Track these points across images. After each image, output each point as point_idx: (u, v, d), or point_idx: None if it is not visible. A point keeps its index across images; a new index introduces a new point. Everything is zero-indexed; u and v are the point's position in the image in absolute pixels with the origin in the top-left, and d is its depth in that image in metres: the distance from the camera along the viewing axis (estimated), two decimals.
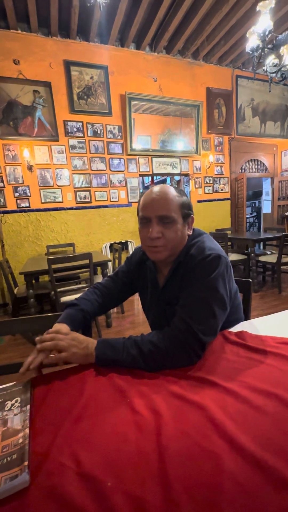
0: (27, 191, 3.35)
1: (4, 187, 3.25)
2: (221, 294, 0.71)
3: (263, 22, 2.14)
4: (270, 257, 3.35)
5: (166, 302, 0.84)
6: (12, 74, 3.12)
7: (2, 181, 3.24)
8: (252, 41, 2.24)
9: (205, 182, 4.36)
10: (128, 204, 3.88)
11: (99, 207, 3.73)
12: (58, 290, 2.19)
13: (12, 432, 0.46)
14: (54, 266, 2.13)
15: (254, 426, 0.45)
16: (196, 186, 4.31)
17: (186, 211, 0.78)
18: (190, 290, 0.72)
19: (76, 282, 2.37)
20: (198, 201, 4.33)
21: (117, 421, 0.49)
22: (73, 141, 3.48)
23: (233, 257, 3.61)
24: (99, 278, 2.70)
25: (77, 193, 3.59)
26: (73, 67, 3.36)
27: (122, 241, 3.90)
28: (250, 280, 1.04)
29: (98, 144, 3.61)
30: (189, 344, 0.64)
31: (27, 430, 0.46)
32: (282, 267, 3.16)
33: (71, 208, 3.59)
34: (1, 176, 3.22)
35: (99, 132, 3.60)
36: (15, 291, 2.66)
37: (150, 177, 6.46)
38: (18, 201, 3.33)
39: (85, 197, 3.63)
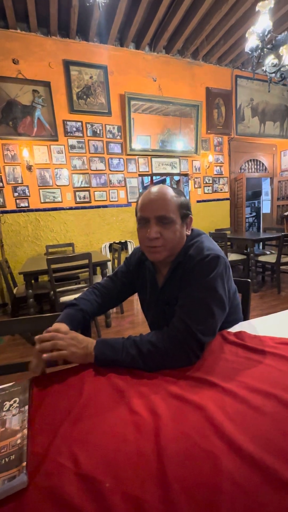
0: (27, 191, 3.34)
1: (3, 187, 3.25)
2: (220, 294, 0.71)
3: (263, 22, 2.15)
4: (270, 257, 3.35)
5: (165, 302, 0.84)
6: (11, 74, 3.12)
7: (1, 181, 3.23)
8: (252, 41, 2.24)
9: (205, 182, 4.37)
10: (127, 204, 3.88)
11: (98, 207, 3.73)
12: (58, 290, 2.19)
13: (11, 433, 0.46)
14: (53, 266, 2.12)
15: (252, 426, 0.45)
16: (196, 186, 4.31)
17: (184, 211, 0.78)
18: (189, 290, 0.72)
19: (75, 282, 2.36)
20: (198, 201, 4.33)
21: (116, 421, 0.49)
22: (72, 141, 3.48)
23: (232, 257, 3.61)
24: (98, 278, 2.70)
25: (77, 193, 3.59)
26: (73, 66, 3.36)
27: (122, 241, 3.90)
28: (249, 280, 1.04)
29: (97, 144, 3.61)
30: (188, 344, 0.64)
31: (25, 431, 0.46)
32: (281, 267, 3.16)
33: (71, 208, 3.59)
34: (0, 176, 3.22)
35: (98, 132, 3.59)
36: (15, 291, 2.66)
37: (149, 177, 6.46)
38: (18, 201, 3.32)
39: (84, 197, 3.63)
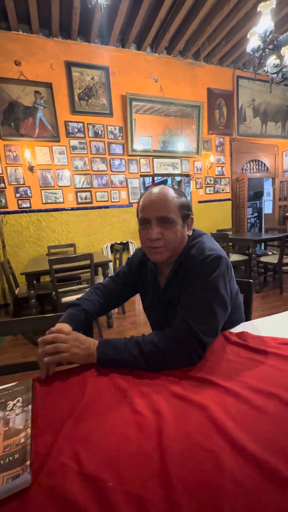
0: (28, 191, 3.35)
1: (5, 187, 3.26)
2: (221, 295, 0.71)
3: (264, 23, 2.14)
4: (272, 258, 3.34)
5: (167, 302, 0.84)
6: (13, 75, 3.14)
7: (4, 182, 3.25)
8: (253, 42, 2.24)
9: (206, 183, 4.36)
10: (129, 205, 3.89)
11: (100, 207, 3.73)
12: (59, 290, 2.19)
13: (14, 432, 0.46)
14: (55, 266, 2.13)
15: (255, 426, 0.45)
16: (197, 187, 4.31)
17: (185, 211, 0.78)
18: (190, 290, 0.72)
19: (77, 282, 2.37)
20: (199, 202, 4.33)
21: (118, 421, 0.49)
22: (74, 142, 3.49)
23: (234, 257, 3.61)
24: (100, 279, 2.70)
25: (78, 194, 3.60)
26: (74, 68, 3.37)
27: (123, 241, 3.90)
28: (251, 280, 1.04)
29: (99, 144, 3.62)
30: (190, 345, 0.64)
31: (28, 430, 0.46)
32: (283, 267, 3.15)
33: (72, 209, 3.60)
34: (2, 176, 3.24)
35: (100, 132, 3.60)
36: (16, 291, 2.67)
37: (151, 178, 6.47)
38: (19, 201, 3.34)
39: (86, 198, 3.64)
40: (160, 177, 6.55)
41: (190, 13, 3.15)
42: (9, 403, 0.54)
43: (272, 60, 2.33)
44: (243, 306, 0.94)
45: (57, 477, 0.39)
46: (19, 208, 3.34)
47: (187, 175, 4.29)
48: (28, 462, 0.40)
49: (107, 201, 3.76)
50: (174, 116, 4.01)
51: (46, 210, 3.47)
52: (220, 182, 4.48)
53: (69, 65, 3.34)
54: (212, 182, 4.40)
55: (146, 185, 6.52)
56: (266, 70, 2.40)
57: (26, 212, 3.38)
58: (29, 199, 3.37)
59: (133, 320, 2.74)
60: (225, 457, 0.40)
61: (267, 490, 0.35)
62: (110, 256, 3.69)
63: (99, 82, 3.50)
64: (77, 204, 3.61)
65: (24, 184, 3.33)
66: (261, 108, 4.59)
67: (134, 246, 3.94)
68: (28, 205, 3.38)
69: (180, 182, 5.49)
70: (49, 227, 3.52)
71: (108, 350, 0.66)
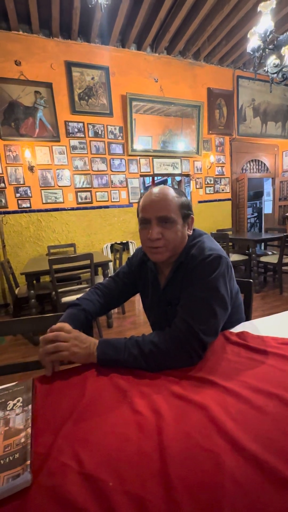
0: (28, 191, 3.35)
1: (5, 187, 3.26)
2: (222, 294, 0.71)
3: (264, 23, 2.14)
4: (271, 258, 3.34)
5: (167, 302, 0.84)
6: (13, 75, 3.14)
7: (4, 182, 3.25)
8: (253, 42, 2.24)
9: (206, 183, 4.36)
10: (129, 205, 3.89)
11: (100, 207, 3.73)
12: (59, 290, 2.19)
13: (14, 432, 0.46)
14: (55, 266, 2.13)
15: (255, 426, 0.45)
16: (197, 187, 4.31)
17: (185, 211, 0.78)
18: (191, 290, 0.72)
19: (77, 282, 2.37)
20: (199, 202, 4.33)
21: (118, 421, 0.49)
22: (74, 142, 3.49)
23: (234, 257, 3.61)
24: (100, 279, 2.70)
25: (78, 194, 3.60)
26: (74, 68, 3.37)
27: (123, 241, 3.90)
28: (251, 280, 1.04)
29: (99, 144, 3.62)
30: (190, 344, 0.64)
31: (29, 430, 0.46)
32: (283, 267, 3.15)
33: (72, 209, 3.60)
34: (3, 176, 3.24)
35: (100, 132, 3.60)
36: (16, 291, 2.67)
37: (151, 178, 6.47)
38: (19, 201, 3.34)
39: (86, 198, 3.64)
40: (160, 177, 6.55)
41: (190, 13, 3.15)
42: (9, 403, 0.54)
43: (272, 60, 2.33)
44: (243, 306, 0.94)
45: (57, 477, 0.39)
46: (19, 208, 3.34)
47: (187, 175, 4.29)
48: (28, 462, 0.40)
49: (107, 201, 3.76)
50: (174, 116, 4.02)
51: (46, 210, 3.47)
52: (220, 182, 4.48)
53: (69, 65, 3.34)
54: (212, 182, 4.41)
55: (146, 185, 6.52)
56: (266, 70, 2.40)
57: (26, 212, 3.38)
58: (29, 199, 3.37)
59: (133, 320, 2.74)
60: (225, 457, 0.40)
61: (267, 490, 0.35)
62: (110, 256, 3.69)
63: (99, 82, 3.50)
64: (77, 204, 3.61)
65: (24, 184, 3.33)
66: (261, 108, 4.59)
67: (134, 246, 3.94)
68: (28, 205, 3.38)
69: (180, 182, 5.49)
70: (49, 227, 3.52)
71: (108, 350, 0.66)
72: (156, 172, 4.03)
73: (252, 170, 4.90)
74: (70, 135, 3.46)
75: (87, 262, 2.23)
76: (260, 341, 0.73)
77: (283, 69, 2.28)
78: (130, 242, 3.95)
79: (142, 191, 4.10)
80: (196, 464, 0.39)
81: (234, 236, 3.79)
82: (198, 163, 4.26)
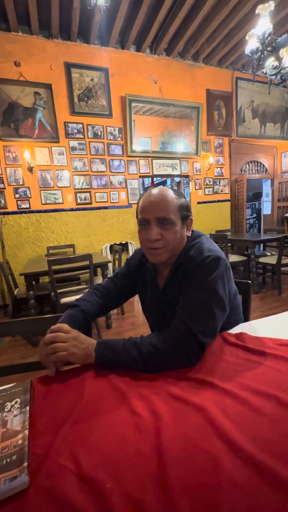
0: (28, 192, 3.35)
1: (4, 188, 3.26)
2: (220, 295, 0.71)
3: (263, 25, 2.16)
4: (270, 259, 3.35)
5: (166, 303, 0.84)
6: (13, 76, 3.14)
7: (3, 183, 3.25)
8: (252, 44, 2.25)
9: (205, 184, 4.37)
10: (128, 206, 3.89)
11: (99, 208, 3.74)
12: (58, 291, 2.19)
13: (12, 433, 0.46)
14: (54, 267, 2.13)
15: (253, 427, 0.45)
16: (196, 188, 4.32)
17: (184, 212, 0.78)
18: (189, 291, 0.72)
19: (76, 283, 2.37)
20: (198, 203, 4.34)
21: (116, 422, 0.49)
22: (73, 143, 3.50)
23: (233, 258, 3.61)
24: (99, 279, 2.70)
25: (78, 195, 3.60)
26: (74, 69, 3.38)
27: (122, 242, 3.90)
28: (249, 281, 1.04)
29: (98, 145, 3.63)
30: (188, 346, 0.65)
31: (26, 431, 0.46)
32: (282, 268, 3.16)
33: (72, 210, 3.60)
34: (2, 177, 3.23)
35: (99, 133, 3.61)
36: (15, 292, 2.66)
37: (150, 179, 6.48)
38: (19, 202, 3.34)
39: (85, 199, 3.64)
40: (160, 178, 6.56)
41: (189, 15, 3.16)
42: (7, 405, 0.54)
43: (270, 62, 2.34)
44: (241, 307, 0.95)
45: (55, 479, 0.39)
46: (18, 208, 3.34)
47: (186, 176, 4.29)
48: (25, 464, 0.40)
49: (107, 201, 3.77)
50: (173, 117, 4.03)
51: (46, 211, 3.47)
52: (219, 183, 4.49)
53: (68, 66, 3.34)
54: (211, 183, 4.41)
55: (145, 186, 6.52)
56: (264, 72, 2.41)
57: (25, 212, 3.38)
58: (28, 200, 3.37)
59: (132, 321, 2.74)
60: (223, 458, 0.40)
61: (265, 491, 0.35)
62: (109, 257, 3.69)
63: (98, 83, 3.51)
64: (77, 204, 3.61)
65: (24, 184, 3.33)
66: (260, 109, 4.61)
67: (133, 246, 3.94)
68: (28, 206, 3.38)
69: (179, 183, 5.50)
70: (48, 228, 3.52)
71: (107, 351, 0.66)
72: (155, 173, 4.04)
73: (251, 171, 4.92)
74: (70, 136, 3.46)
75: (86, 262, 2.23)
76: (258, 342, 0.73)
77: (282, 71, 2.29)
78: (129, 242, 3.95)
79: (141, 192, 4.11)
80: (194, 465, 0.39)
81: (233, 237, 3.79)
82: (197, 164, 4.27)
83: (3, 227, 3.29)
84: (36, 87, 3.24)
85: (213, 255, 0.73)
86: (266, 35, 2.19)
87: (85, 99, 3.48)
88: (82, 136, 3.53)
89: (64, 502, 0.35)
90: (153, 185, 6.43)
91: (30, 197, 3.37)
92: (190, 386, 0.58)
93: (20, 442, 0.44)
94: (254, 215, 7.00)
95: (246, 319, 1.03)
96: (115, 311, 2.95)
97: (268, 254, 3.59)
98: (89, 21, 3.08)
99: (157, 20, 3.12)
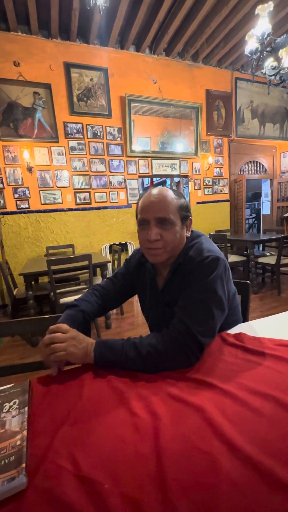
0: (27, 192, 3.35)
1: (4, 188, 3.25)
2: (219, 296, 0.71)
3: (262, 25, 2.16)
4: (270, 259, 3.35)
5: (165, 304, 0.84)
6: (12, 76, 3.14)
7: (2, 182, 3.24)
8: (251, 44, 2.25)
9: (205, 184, 4.38)
10: (127, 206, 3.89)
11: (98, 208, 3.73)
12: (58, 291, 2.19)
13: (10, 434, 0.46)
14: (53, 267, 2.13)
15: (251, 428, 0.45)
16: (196, 188, 4.32)
17: (184, 213, 0.78)
18: (188, 291, 0.72)
19: (75, 283, 2.37)
20: (198, 203, 4.34)
21: (115, 423, 0.49)
22: (73, 143, 3.49)
23: (232, 258, 3.61)
24: (98, 280, 2.70)
25: (77, 195, 3.59)
26: (73, 69, 3.37)
27: (122, 242, 3.90)
28: (248, 281, 1.04)
29: (97, 145, 3.62)
30: (187, 346, 0.65)
31: (25, 432, 0.46)
32: (281, 268, 3.16)
33: (71, 210, 3.59)
34: (1, 177, 3.23)
35: (98, 133, 3.61)
36: (15, 292, 2.66)
37: (149, 179, 6.47)
38: (18, 202, 3.33)
39: (84, 199, 3.64)
40: (159, 178, 6.56)
41: (189, 15, 3.16)
42: (5, 405, 0.53)
43: (270, 62, 2.34)
44: (240, 307, 0.95)
45: (53, 480, 0.39)
46: (17, 208, 3.34)
47: (186, 176, 4.30)
48: (23, 465, 0.40)
49: (106, 202, 3.76)
50: (172, 117, 4.03)
51: (45, 211, 3.47)
52: (219, 183, 4.50)
53: (68, 66, 3.34)
54: (210, 183, 4.42)
55: (145, 186, 6.52)
56: (264, 72, 2.42)
57: (24, 212, 3.38)
58: (27, 200, 3.37)
59: (132, 321, 2.74)
60: (221, 459, 0.40)
61: (263, 492, 0.35)
62: (109, 257, 3.69)
63: (98, 83, 3.51)
64: (76, 204, 3.61)
65: (23, 184, 3.32)
66: (259, 109, 4.61)
67: (133, 247, 3.94)
68: (27, 206, 3.37)
69: (179, 183, 5.50)
70: (48, 228, 3.51)
71: (106, 351, 0.66)
72: (154, 173, 4.04)
73: (250, 172, 4.92)
74: (69, 136, 3.46)
75: (86, 263, 2.23)
76: (257, 343, 0.73)
77: (281, 71, 2.30)
78: (129, 243, 3.95)
79: (140, 192, 4.11)
80: (193, 466, 0.39)
81: (232, 237, 3.80)
82: (196, 164, 4.27)
83: (2, 227, 3.29)
84: (35, 87, 3.24)
85: (212, 255, 0.73)
86: (265, 36, 2.19)
87: (85, 99, 3.48)
88: (82, 136, 3.53)
89: (63, 503, 0.35)
90: (153, 185, 6.43)
91: (30, 197, 3.37)
92: (189, 386, 0.58)
93: (18, 443, 0.44)
94: (254, 215, 7.00)
95: (245, 319, 1.03)
96: (114, 311, 2.95)
97: (268, 254, 3.59)
98: (88, 21, 3.08)
99: (156, 20, 3.12)
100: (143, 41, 3.48)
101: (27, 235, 3.42)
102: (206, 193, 4.41)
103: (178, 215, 0.76)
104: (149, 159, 3.95)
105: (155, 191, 0.77)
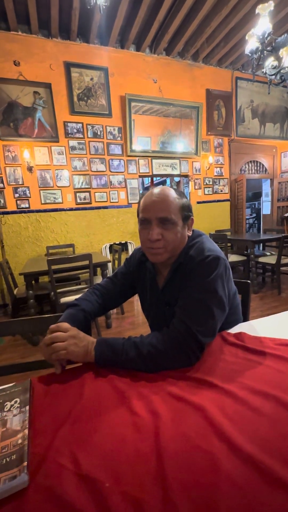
0: (27, 192, 3.35)
1: (4, 188, 3.25)
2: (220, 295, 0.71)
3: (262, 25, 2.16)
4: (270, 258, 3.35)
5: (166, 303, 0.84)
6: (12, 76, 3.13)
7: (2, 182, 3.24)
8: (252, 43, 2.25)
9: (205, 183, 4.37)
10: (128, 205, 3.89)
11: (99, 208, 3.73)
12: (58, 291, 2.19)
13: (11, 433, 0.46)
14: (54, 267, 2.13)
15: (252, 427, 0.45)
16: (196, 187, 4.32)
17: (186, 213, 0.78)
18: (189, 291, 0.72)
19: (76, 283, 2.37)
20: (198, 202, 4.34)
21: (115, 422, 0.49)
22: (73, 142, 3.49)
23: (232, 258, 3.62)
24: (98, 279, 2.70)
25: (77, 194, 3.59)
26: (73, 68, 3.37)
27: (122, 242, 3.90)
28: (249, 281, 1.04)
29: (98, 145, 3.62)
30: (188, 346, 0.65)
31: (26, 431, 0.46)
32: (281, 268, 3.16)
33: (71, 209, 3.60)
34: (1, 177, 3.23)
35: (99, 133, 3.61)
36: (15, 291, 2.66)
37: (150, 178, 6.47)
38: (18, 202, 3.33)
39: (85, 198, 3.64)
40: (159, 178, 6.55)
41: (189, 15, 3.16)
42: (6, 404, 0.54)
43: (270, 62, 2.34)
44: (241, 306, 0.95)
45: (54, 478, 0.39)
46: (18, 208, 3.34)
47: (186, 176, 4.29)
48: (25, 463, 0.40)
49: (106, 201, 3.76)
50: (173, 117, 4.02)
51: (45, 211, 3.47)
52: (219, 183, 4.49)
53: (68, 66, 3.34)
54: (210, 183, 4.41)
55: (145, 186, 6.52)
56: (264, 72, 2.41)
57: (25, 212, 3.38)
58: (28, 199, 3.37)
59: (132, 320, 2.74)
60: (222, 458, 0.40)
61: (264, 490, 0.35)
62: (109, 257, 3.69)
63: (98, 82, 3.51)
64: (76, 204, 3.61)
65: (23, 184, 3.33)
66: (259, 109, 4.61)
67: (133, 246, 3.94)
68: (27, 205, 3.38)
69: (179, 183, 5.49)
70: (48, 228, 3.51)
71: (107, 350, 0.66)
72: (155, 172, 4.04)
73: (250, 171, 4.92)
74: (69, 135, 3.46)
75: (86, 262, 2.23)
76: (258, 342, 0.73)
77: (281, 71, 2.29)
78: (129, 242, 3.95)
79: (141, 191, 4.11)
80: (193, 465, 0.39)
81: (232, 236, 3.80)
82: (196, 164, 4.27)
83: (2, 226, 3.29)
84: (35, 87, 3.24)
85: (212, 254, 0.74)
86: (265, 35, 2.19)
87: (85, 98, 3.48)
88: (82, 136, 3.52)
89: (64, 501, 0.35)
90: (153, 184, 6.43)
91: (30, 197, 3.37)
92: (189, 385, 0.58)
93: (19, 441, 0.44)
94: (254, 215, 7.00)
95: (246, 318, 1.03)
96: (115, 310, 2.95)
97: (268, 254, 3.59)
98: (88, 20, 3.07)
99: (157, 19, 3.11)
100: (143, 40, 3.47)
101: (27, 235, 3.42)
102: (206, 192, 4.40)
103: (179, 215, 0.76)
104: (149, 158, 3.95)
105: (157, 190, 0.77)
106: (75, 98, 3.43)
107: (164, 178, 6.58)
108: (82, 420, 0.50)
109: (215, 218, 4.51)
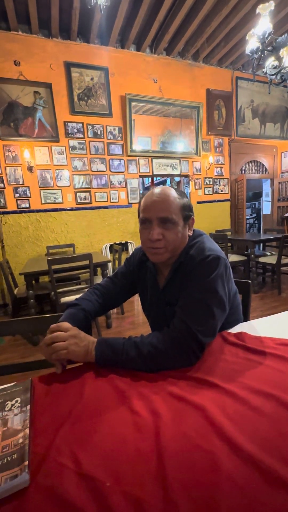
0: (28, 191, 3.35)
1: (4, 187, 3.26)
2: (220, 295, 0.71)
3: (263, 25, 2.16)
4: (270, 258, 3.35)
5: (166, 303, 0.84)
6: (12, 75, 3.14)
7: (3, 182, 3.24)
8: (252, 43, 2.25)
9: (205, 183, 4.37)
10: (128, 205, 3.89)
11: (99, 208, 3.74)
12: (58, 290, 2.19)
13: (12, 432, 0.46)
14: (54, 266, 2.13)
15: (252, 427, 0.45)
16: (196, 187, 4.32)
17: (186, 212, 0.78)
18: (189, 291, 0.72)
19: (76, 282, 2.37)
20: (198, 202, 4.34)
21: (116, 421, 0.49)
22: (73, 142, 3.49)
23: (233, 258, 3.62)
24: (99, 279, 2.70)
25: (77, 194, 3.60)
26: (74, 68, 3.37)
27: (122, 241, 3.90)
28: (249, 281, 1.04)
29: (98, 145, 3.62)
30: (188, 345, 0.65)
31: (27, 430, 0.46)
32: (282, 268, 3.16)
33: (71, 209, 3.60)
34: (2, 176, 3.23)
35: (99, 133, 3.61)
36: (15, 291, 2.66)
37: (150, 178, 6.47)
38: (19, 201, 3.33)
39: (85, 198, 3.64)
40: (159, 178, 6.55)
41: (189, 14, 3.16)
42: (7, 403, 0.54)
43: (270, 62, 2.34)
44: (241, 306, 0.95)
45: (55, 477, 0.39)
46: (18, 208, 3.34)
47: (186, 176, 4.29)
48: (26, 462, 0.40)
49: (106, 201, 3.76)
50: (173, 116, 4.02)
51: (45, 210, 3.47)
52: (219, 183, 4.49)
53: (68, 66, 3.34)
54: (211, 183, 4.41)
55: (145, 186, 6.52)
56: (265, 72, 2.41)
57: (25, 212, 3.38)
58: (28, 199, 3.37)
59: (132, 320, 2.74)
60: (222, 458, 0.40)
61: (264, 490, 0.35)
62: (109, 257, 3.69)
63: (98, 82, 3.51)
64: (76, 204, 3.61)
65: (23, 184, 3.33)
66: (259, 109, 4.61)
67: (133, 246, 3.94)
68: (27, 205, 3.38)
69: (179, 183, 5.49)
70: (48, 227, 3.51)
71: (107, 350, 0.66)
72: (155, 172, 4.04)
73: (251, 171, 4.92)
74: (69, 135, 3.46)
75: (86, 262, 2.23)
76: (258, 342, 0.73)
77: (282, 71, 2.29)
78: (129, 242, 3.95)
79: (141, 191, 4.11)
80: (194, 464, 0.39)
81: (233, 236, 3.80)
82: (197, 164, 4.27)
83: (2, 226, 3.29)
84: (36, 86, 3.24)
85: (213, 254, 0.74)
86: (266, 35, 2.18)
87: (85, 98, 3.48)
88: (82, 136, 3.53)
89: (64, 501, 0.35)
90: (153, 184, 6.43)
91: (30, 197, 3.37)
92: (189, 385, 0.58)
93: (20, 441, 0.44)
94: (254, 215, 7.00)
95: (246, 318, 1.03)
96: (115, 310, 2.95)
97: (268, 254, 3.59)
98: (89, 20, 3.07)
99: (157, 19, 3.11)
100: (143, 40, 3.47)
101: (27, 235, 3.42)
102: (206, 192, 4.40)
103: (180, 215, 0.76)
104: (150, 158, 3.95)
105: (157, 190, 0.77)
106: (76, 98, 3.43)
107: (164, 178, 6.59)
108: (83, 420, 0.50)
109: (215, 218, 4.51)
